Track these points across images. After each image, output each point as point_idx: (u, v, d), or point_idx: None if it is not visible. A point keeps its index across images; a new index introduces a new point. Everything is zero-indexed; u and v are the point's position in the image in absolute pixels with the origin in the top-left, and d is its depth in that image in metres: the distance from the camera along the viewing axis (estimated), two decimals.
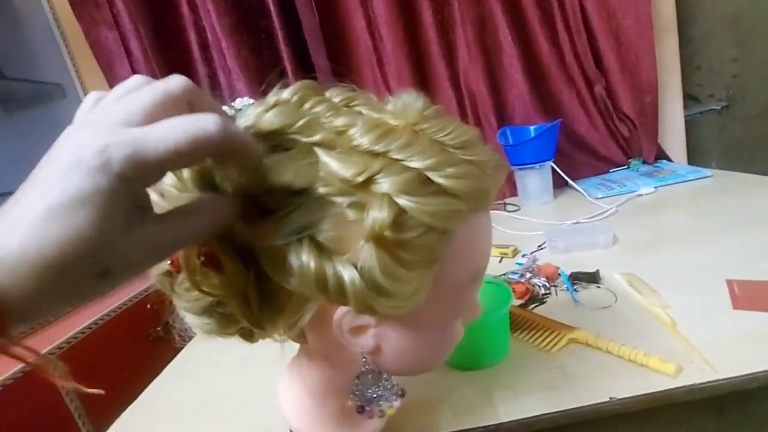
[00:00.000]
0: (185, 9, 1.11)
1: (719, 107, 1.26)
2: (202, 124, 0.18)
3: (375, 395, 0.29)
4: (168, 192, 0.27)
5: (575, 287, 0.58)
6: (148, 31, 1.09)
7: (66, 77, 1.22)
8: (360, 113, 0.26)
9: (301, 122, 0.24)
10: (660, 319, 0.47)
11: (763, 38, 1.21)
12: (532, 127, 1.11)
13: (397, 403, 0.30)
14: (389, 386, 0.29)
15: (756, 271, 0.53)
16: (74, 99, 1.23)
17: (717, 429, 0.46)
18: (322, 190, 0.22)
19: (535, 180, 1.06)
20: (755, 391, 0.41)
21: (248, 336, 0.31)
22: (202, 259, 0.25)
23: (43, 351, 0.59)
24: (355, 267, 0.22)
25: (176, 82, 0.20)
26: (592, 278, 0.59)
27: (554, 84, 1.12)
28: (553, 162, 1.06)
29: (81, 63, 1.23)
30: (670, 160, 1.16)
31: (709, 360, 0.40)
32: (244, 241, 0.24)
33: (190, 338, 0.32)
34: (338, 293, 0.23)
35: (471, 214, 0.25)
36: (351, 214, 0.22)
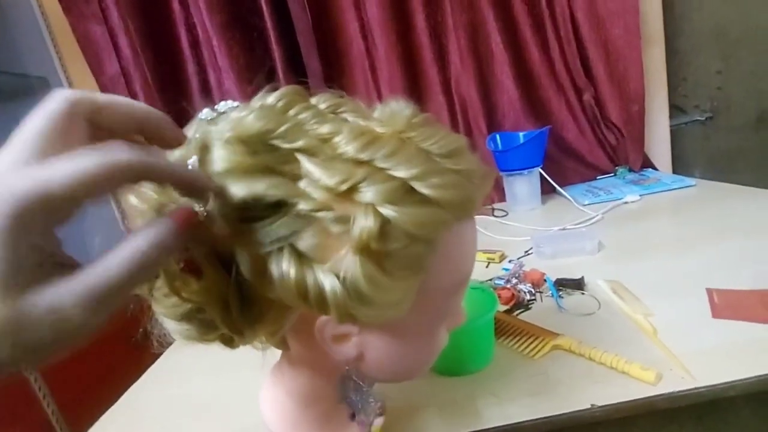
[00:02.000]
0: (176, 5, 1.09)
1: (704, 118, 1.29)
2: (110, 157, 0.17)
3: (358, 402, 0.28)
4: (147, 196, 0.27)
5: (560, 293, 0.59)
6: (138, 27, 1.07)
7: (51, 70, 1.20)
8: (346, 120, 0.26)
9: (283, 127, 0.23)
10: (641, 326, 0.48)
11: (748, 52, 1.24)
12: (521, 134, 1.12)
13: (378, 421, 0.30)
14: (370, 399, 0.29)
15: (735, 280, 0.54)
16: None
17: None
18: (302, 206, 0.22)
19: (523, 186, 1.07)
20: (733, 399, 0.42)
21: (229, 342, 0.30)
22: (182, 265, 0.25)
23: None
24: (337, 276, 0.22)
25: (58, 98, 0.19)
26: (577, 285, 0.60)
27: (544, 91, 1.13)
28: (542, 168, 1.07)
29: (67, 56, 1.20)
30: (656, 169, 1.18)
31: (688, 368, 0.41)
32: (224, 248, 0.24)
33: (170, 343, 0.32)
34: (319, 302, 0.22)
35: (456, 223, 0.25)
36: (334, 228, 0.22)
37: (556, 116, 1.15)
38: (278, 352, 0.35)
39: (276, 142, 0.23)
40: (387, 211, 0.22)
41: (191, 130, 0.26)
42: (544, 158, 1.09)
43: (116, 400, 0.59)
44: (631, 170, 1.16)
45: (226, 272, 0.25)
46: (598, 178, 1.18)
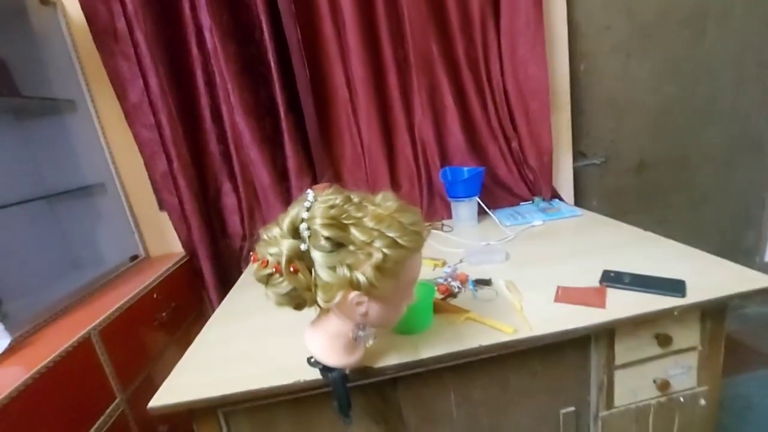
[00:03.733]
0: (195, 51, 1.34)
1: (599, 162, 1.72)
2: None
3: (364, 334, 0.61)
4: (273, 237, 0.57)
5: (476, 288, 0.94)
6: (165, 69, 1.32)
7: (78, 94, 1.39)
8: (367, 207, 0.58)
9: (344, 215, 0.55)
10: (515, 306, 0.83)
11: (632, 116, 1.68)
12: (465, 169, 1.48)
13: (371, 341, 0.63)
14: (370, 332, 0.62)
15: (577, 281, 0.90)
16: (84, 113, 1.41)
17: (543, 367, 0.82)
18: (351, 248, 0.54)
19: (465, 209, 1.43)
20: (560, 344, 0.78)
21: (298, 307, 0.61)
22: (292, 269, 0.56)
23: (84, 331, 0.90)
24: (364, 275, 0.54)
25: None
26: (487, 283, 0.95)
27: (484, 139, 1.50)
28: (479, 197, 1.43)
29: (93, 82, 1.41)
30: (562, 199, 1.58)
31: (533, 326, 0.76)
32: (312, 263, 0.55)
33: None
34: (356, 285, 0.55)
35: (413, 255, 0.58)
36: (363, 257, 0.54)
37: (491, 158, 1.52)
38: (299, 316, 0.66)
39: (342, 220, 0.55)
40: (386, 250, 0.54)
41: (297, 208, 0.57)
42: (483, 188, 1.45)
43: (151, 365, 0.87)
44: (543, 200, 1.56)
45: (310, 273, 0.56)
46: (521, 204, 1.57)
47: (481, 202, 1.42)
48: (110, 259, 1.49)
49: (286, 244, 0.56)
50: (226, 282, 1.48)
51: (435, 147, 1.48)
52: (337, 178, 1.52)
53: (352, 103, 1.44)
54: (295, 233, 0.56)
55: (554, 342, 0.77)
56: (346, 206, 0.56)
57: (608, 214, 1.35)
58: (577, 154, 1.68)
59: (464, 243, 1.26)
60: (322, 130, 1.47)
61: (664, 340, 0.82)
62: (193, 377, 0.78)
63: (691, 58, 1.65)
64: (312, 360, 0.67)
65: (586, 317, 0.77)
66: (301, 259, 0.56)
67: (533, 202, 1.56)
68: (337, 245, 0.55)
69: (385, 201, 0.59)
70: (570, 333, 0.76)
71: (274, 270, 0.56)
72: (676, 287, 0.80)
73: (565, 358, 0.83)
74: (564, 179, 1.63)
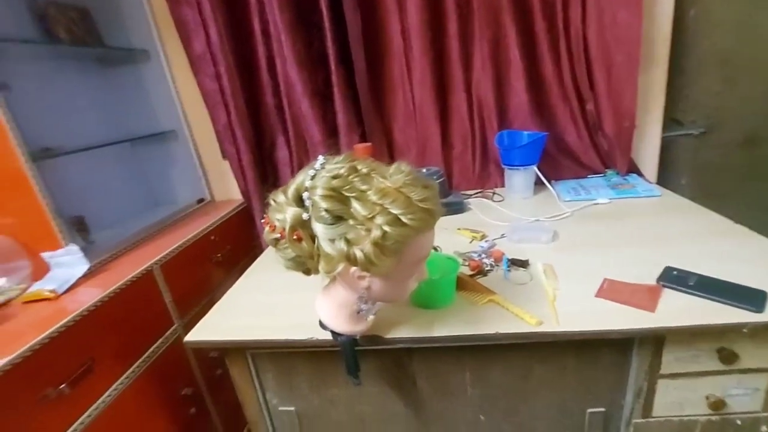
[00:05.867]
0: (253, 1, 1.33)
1: (697, 132, 1.44)
2: None
3: (366, 308, 0.60)
4: (279, 203, 0.57)
5: (509, 268, 0.87)
6: (224, 19, 1.33)
7: (151, 44, 1.48)
8: (373, 179, 0.54)
9: (347, 186, 0.52)
10: (548, 294, 0.76)
11: (746, 78, 1.36)
12: (525, 133, 1.33)
13: (372, 315, 0.62)
14: (373, 305, 0.60)
15: (631, 274, 0.79)
16: (157, 63, 1.50)
17: (575, 362, 0.76)
18: (351, 222, 0.51)
19: (520, 179, 1.31)
20: (597, 341, 0.70)
21: (307, 272, 0.61)
22: (295, 237, 0.55)
23: (147, 264, 0.98)
24: (362, 252, 0.52)
25: None
26: (523, 264, 0.88)
27: (553, 98, 1.32)
28: (539, 165, 1.30)
29: (164, 33, 1.48)
30: (641, 175, 1.37)
31: (561, 321, 0.69)
32: (314, 233, 0.54)
33: None
34: (354, 261, 0.52)
35: (419, 235, 0.54)
36: (363, 232, 0.51)
37: (559, 121, 1.34)
38: (326, 281, 0.66)
39: (344, 192, 0.52)
40: (386, 228, 0.50)
41: (303, 175, 0.55)
42: (546, 154, 1.31)
43: (207, 298, 0.93)
44: (618, 174, 1.37)
45: (313, 242, 0.55)
46: (589, 176, 1.39)
47: (539, 173, 1.29)
48: (181, 200, 1.65)
49: (290, 212, 0.55)
50: None
51: (493, 107, 1.35)
52: (386, 136, 1.47)
53: (406, 55, 1.34)
54: (299, 201, 0.55)
55: (590, 339, 0.69)
56: (350, 177, 0.53)
57: (699, 196, 1.14)
58: (670, 121, 1.42)
59: (512, 216, 1.16)
60: (373, 85, 1.40)
61: (728, 357, 0.70)
62: (226, 319, 0.85)
63: None
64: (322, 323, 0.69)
65: (629, 319, 0.68)
66: (304, 228, 0.55)
67: (605, 175, 1.38)
68: (338, 218, 0.52)
69: (397, 173, 0.54)
70: (604, 334, 0.68)
71: (279, 235, 0.56)
72: (753, 299, 0.67)
73: (601, 356, 0.76)
74: (648, 151, 1.40)
